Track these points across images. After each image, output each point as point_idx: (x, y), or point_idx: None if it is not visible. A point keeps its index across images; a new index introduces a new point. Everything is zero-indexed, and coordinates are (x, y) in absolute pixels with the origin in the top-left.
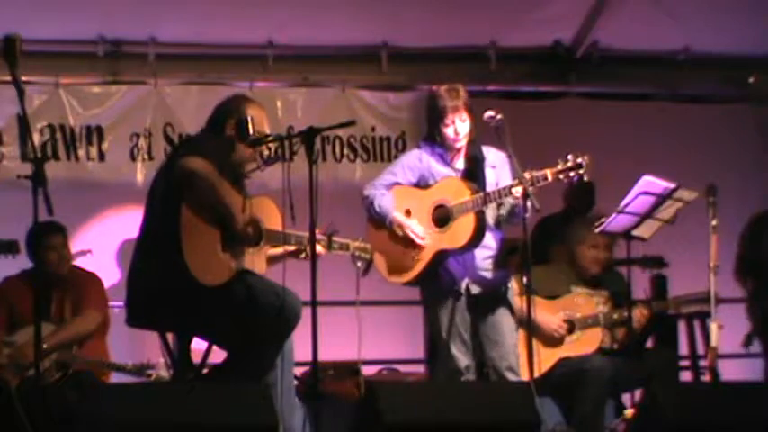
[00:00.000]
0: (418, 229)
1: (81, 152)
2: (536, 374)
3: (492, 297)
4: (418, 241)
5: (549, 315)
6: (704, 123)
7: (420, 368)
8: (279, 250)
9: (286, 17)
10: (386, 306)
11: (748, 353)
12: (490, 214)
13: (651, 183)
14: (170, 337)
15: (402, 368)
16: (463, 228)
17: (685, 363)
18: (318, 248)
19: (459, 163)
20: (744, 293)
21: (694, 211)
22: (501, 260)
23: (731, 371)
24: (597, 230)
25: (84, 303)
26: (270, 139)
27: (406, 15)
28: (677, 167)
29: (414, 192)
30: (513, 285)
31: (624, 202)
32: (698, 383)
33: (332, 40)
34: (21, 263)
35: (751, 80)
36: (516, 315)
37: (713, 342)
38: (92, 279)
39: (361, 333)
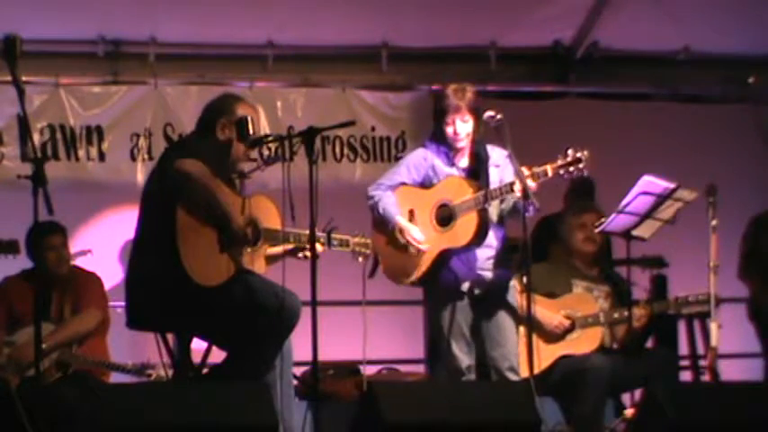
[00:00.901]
0: (418, 235)
1: (81, 152)
2: (536, 371)
3: (494, 297)
4: (418, 246)
5: (549, 312)
6: (704, 123)
7: (420, 368)
8: (278, 250)
9: (286, 17)
10: (386, 306)
11: (748, 353)
12: (493, 210)
13: (651, 183)
14: (170, 337)
15: (402, 368)
16: (466, 226)
17: (685, 363)
18: (318, 247)
19: (464, 162)
20: (745, 293)
21: (694, 211)
22: (503, 259)
23: (731, 371)
24: (597, 230)
25: (83, 303)
26: (270, 139)
27: (406, 15)
28: (677, 167)
29: (418, 192)
30: (515, 284)
31: (624, 202)
32: (698, 383)
33: (332, 40)
34: (21, 263)
35: (751, 80)
36: (517, 313)
37: (713, 342)
38: (92, 279)
39: (363, 333)
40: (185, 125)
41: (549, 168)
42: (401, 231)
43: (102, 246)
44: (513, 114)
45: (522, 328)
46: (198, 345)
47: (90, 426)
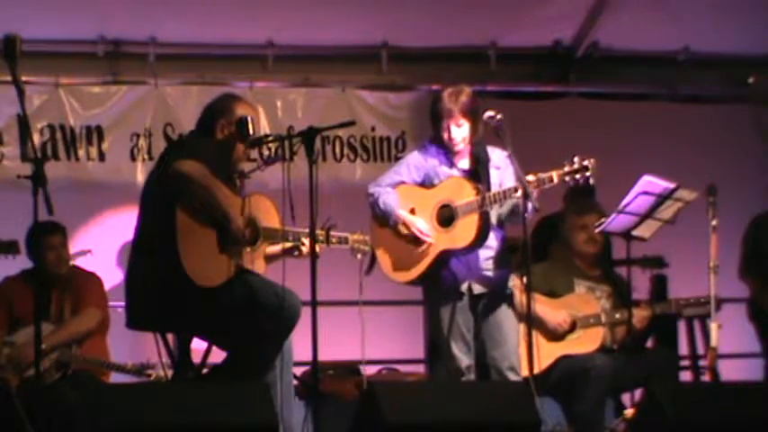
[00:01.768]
0: (423, 226)
1: (81, 152)
2: (536, 371)
3: (494, 297)
4: (424, 238)
5: (551, 310)
6: (704, 123)
7: (420, 368)
8: (276, 249)
9: (286, 17)
10: (386, 306)
11: (748, 353)
12: (492, 213)
13: (651, 183)
14: (170, 337)
15: (402, 368)
16: (467, 228)
17: (685, 363)
18: (317, 248)
19: (464, 163)
20: (745, 293)
21: (694, 211)
22: (502, 259)
23: (731, 371)
24: (597, 230)
25: (83, 302)
26: (270, 139)
27: (406, 15)
28: (677, 167)
29: (418, 191)
30: (516, 281)
31: (624, 202)
32: (698, 383)
33: (332, 40)
34: (21, 263)
35: (751, 80)
36: (518, 311)
37: (713, 342)
38: (91, 279)
39: (362, 333)
40: (185, 125)
41: (554, 175)
42: (404, 224)
43: (102, 246)
44: (514, 114)
45: (522, 328)
46: (198, 345)
47: (90, 426)
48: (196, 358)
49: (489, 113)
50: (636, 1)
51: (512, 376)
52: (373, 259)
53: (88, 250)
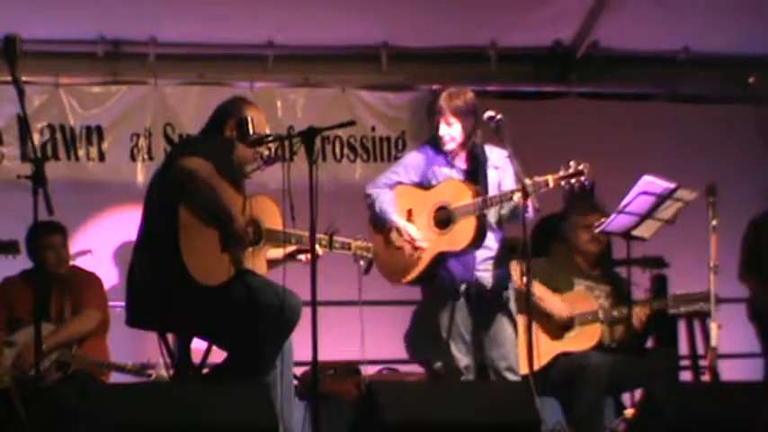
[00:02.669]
0: (416, 233)
1: (81, 152)
2: (535, 368)
3: (492, 297)
4: (416, 245)
5: (551, 296)
6: (704, 123)
7: (420, 368)
8: (279, 253)
9: (286, 17)
10: (386, 306)
11: (748, 353)
12: (492, 214)
13: (651, 183)
14: (170, 337)
15: (402, 368)
16: (464, 230)
17: (685, 363)
18: (318, 249)
19: (462, 163)
20: (745, 293)
21: (694, 211)
22: (501, 260)
23: (731, 371)
24: (597, 230)
25: (83, 303)
26: (270, 139)
27: (406, 15)
28: (677, 167)
29: (416, 192)
30: (515, 278)
31: (624, 202)
32: (698, 383)
33: (332, 40)
34: (21, 263)
35: (751, 80)
36: (516, 310)
37: (713, 342)
38: (91, 279)
39: (362, 333)
40: (185, 125)
41: (550, 179)
42: (398, 230)
43: (102, 246)
44: (514, 114)
45: (521, 324)
46: (198, 345)
47: (90, 426)
48: (196, 358)
49: (489, 113)
50: (636, 1)
51: (510, 377)
52: (371, 260)
53: (88, 250)
